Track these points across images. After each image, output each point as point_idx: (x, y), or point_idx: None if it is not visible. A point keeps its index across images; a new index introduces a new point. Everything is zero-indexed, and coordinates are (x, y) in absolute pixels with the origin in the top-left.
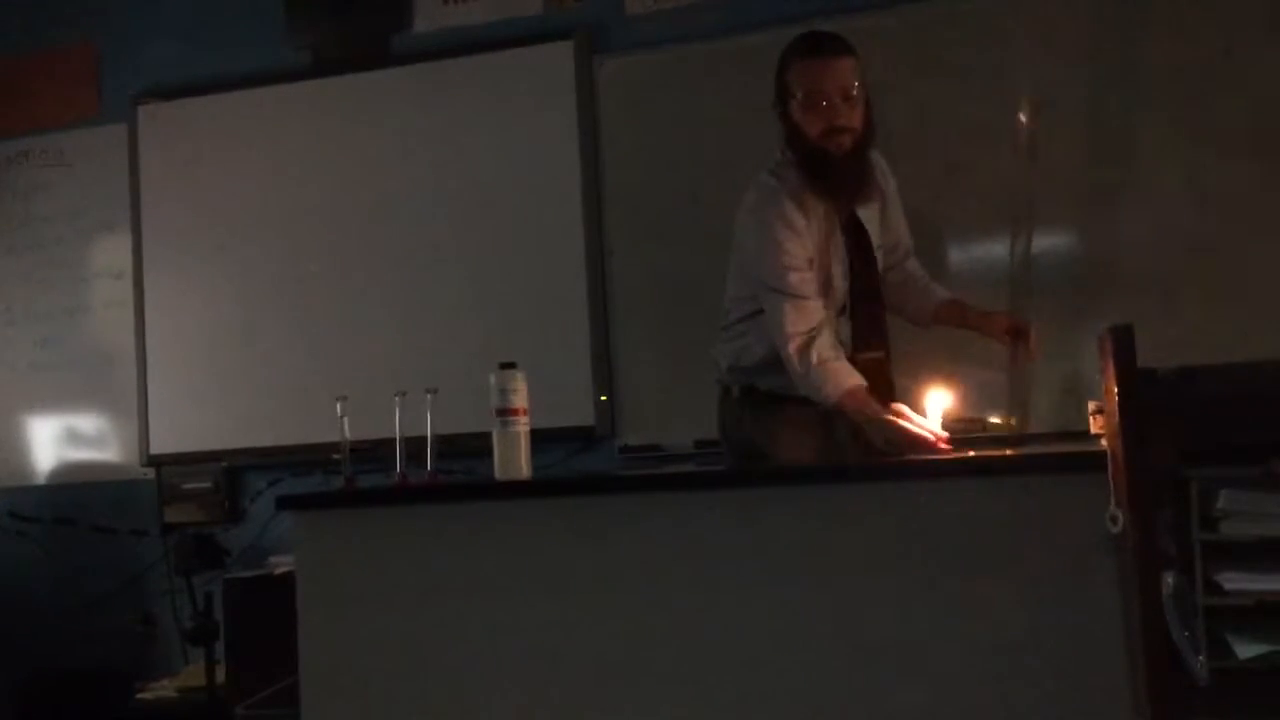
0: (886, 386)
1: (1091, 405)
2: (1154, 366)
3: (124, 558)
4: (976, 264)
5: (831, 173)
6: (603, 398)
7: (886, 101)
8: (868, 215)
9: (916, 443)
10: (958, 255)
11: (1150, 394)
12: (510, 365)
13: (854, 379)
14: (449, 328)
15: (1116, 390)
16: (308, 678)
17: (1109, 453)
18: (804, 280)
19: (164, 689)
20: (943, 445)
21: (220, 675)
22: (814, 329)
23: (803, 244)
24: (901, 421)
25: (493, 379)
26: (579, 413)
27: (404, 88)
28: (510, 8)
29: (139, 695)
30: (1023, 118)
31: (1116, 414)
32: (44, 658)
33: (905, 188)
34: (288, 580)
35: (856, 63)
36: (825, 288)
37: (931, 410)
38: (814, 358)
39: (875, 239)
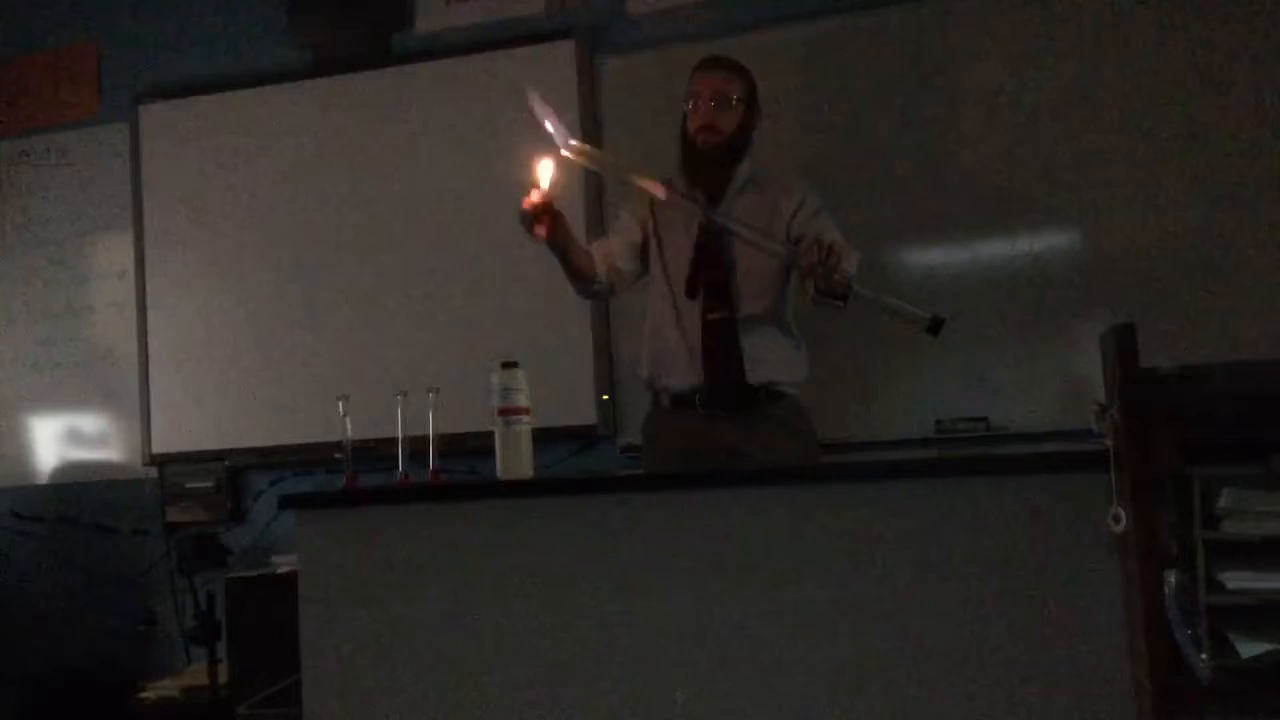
0: (731, 341)
1: (1093, 404)
2: (1156, 365)
3: (126, 557)
4: (975, 263)
5: (698, 162)
6: (604, 397)
7: (884, 100)
8: (743, 206)
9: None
10: (955, 255)
11: (1152, 392)
12: (512, 364)
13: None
14: (451, 327)
15: (1118, 389)
16: (309, 677)
17: (1111, 451)
18: (608, 238)
19: (166, 688)
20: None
21: (222, 674)
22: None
23: (627, 221)
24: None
25: (495, 378)
26: (581, 412)
27: (405, 87)
28: (511, 7)
29: (141, 694)
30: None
31: (1118, 412)
32: (46, 657)
33: (901, 187)
34: (290, 579)
35: (739, 80)
36: (676, 257)
37: (541, 177)
38: None
39: (741, 227)
